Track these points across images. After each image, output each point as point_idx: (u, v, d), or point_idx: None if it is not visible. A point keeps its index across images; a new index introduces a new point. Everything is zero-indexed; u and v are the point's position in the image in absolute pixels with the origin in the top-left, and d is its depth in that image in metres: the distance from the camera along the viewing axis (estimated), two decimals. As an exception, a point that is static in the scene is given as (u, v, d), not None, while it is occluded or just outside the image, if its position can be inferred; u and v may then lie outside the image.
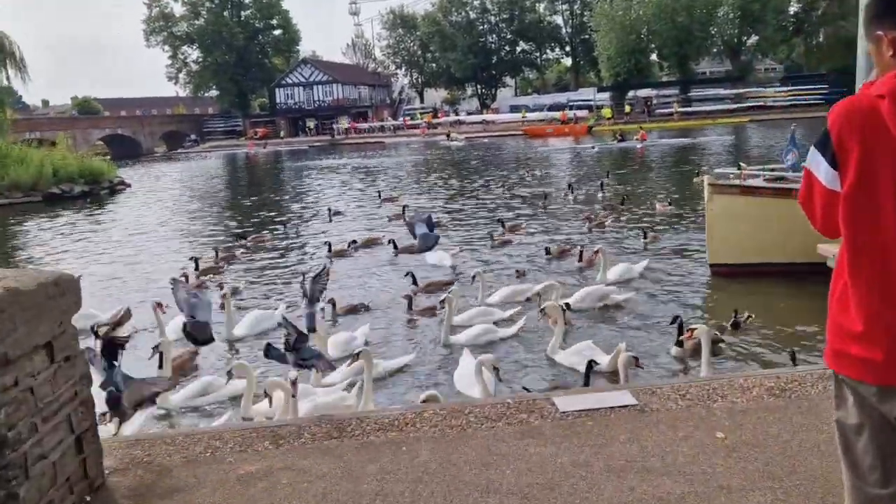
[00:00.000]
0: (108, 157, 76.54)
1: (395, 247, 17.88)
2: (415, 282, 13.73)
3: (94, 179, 41.78)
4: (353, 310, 12.78)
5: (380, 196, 28.95)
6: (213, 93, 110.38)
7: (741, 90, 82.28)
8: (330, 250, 18.45)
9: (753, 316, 11.22)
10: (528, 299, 12.14)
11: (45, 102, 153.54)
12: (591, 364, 8.92)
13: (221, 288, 12.09)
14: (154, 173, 57.79)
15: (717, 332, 10.22)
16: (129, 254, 21.45)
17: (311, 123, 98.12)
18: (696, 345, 9.76)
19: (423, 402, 6.86)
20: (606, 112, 77.37)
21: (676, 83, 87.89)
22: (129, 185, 44.05)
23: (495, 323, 11.26)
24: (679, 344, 9.92)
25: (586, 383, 8.69)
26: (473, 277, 11.24)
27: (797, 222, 14.63)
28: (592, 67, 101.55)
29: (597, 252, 13.70)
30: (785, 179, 14.06)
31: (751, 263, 13.70)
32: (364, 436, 5.86)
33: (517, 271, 14.29)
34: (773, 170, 15.13)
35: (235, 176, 54.29)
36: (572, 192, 27.06)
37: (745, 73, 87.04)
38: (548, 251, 16.28)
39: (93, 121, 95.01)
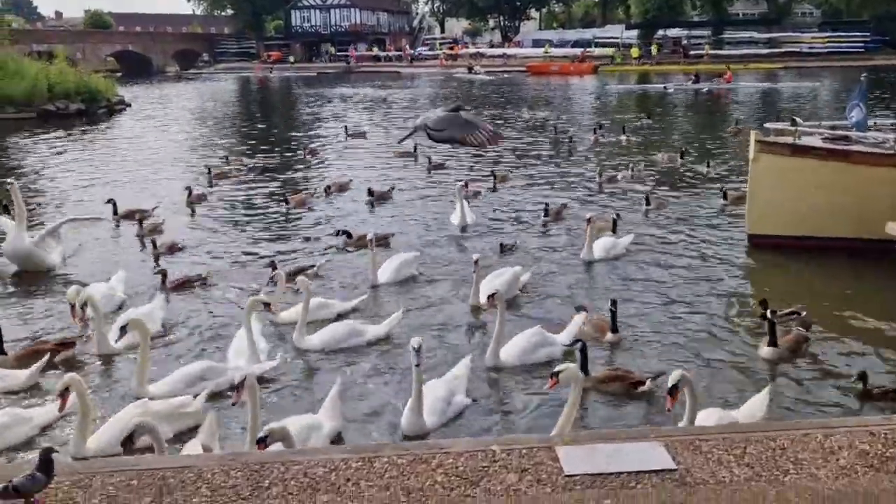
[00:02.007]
0: (118, 74, 74.44)
1: (371, 194, 16.04)
2: (349, 235, 12.63)
3: (92, 97, 39.60)
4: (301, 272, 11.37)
5: (346, 131, 26.59)
6: (229, 11, 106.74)
7: (776, 34, 77.99)
8: (327, 191, 16.78)
9: (804, 313, 9.00)
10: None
11: (59, 14, 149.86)
12: (583, 346, 7.41)
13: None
14: (159, 94, 55.53)
15: (800, 329, 8.35)
16: (118, 179, 19.71)
17: (331, 49, 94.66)
18: (795, 343, 8.02)
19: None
20: (634, 52, 73.66)
21: (708, 24, 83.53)
22: (128, 106, 41.97)
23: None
24: (772, 343, 7.94)
25: (583, 368, 7.16)
26: (476, 262, 9.43)
27: (861, 191, 11.28)
28: (621, 2, 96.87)
29: (589, 221, 11.45)
30: (848, 140, 11.94)
31: (799, 236, 11.70)
32: (285, 498, 4.14)
33: (501, 245, 12.05)
34: (833, 127, 12.97)
35: (242, 101, 51.90)
36: (596, 133, 24.96)
37: (781, 16, 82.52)
38: (546, 212, 14.02)
39: (103, 35, 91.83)
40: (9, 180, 11.31)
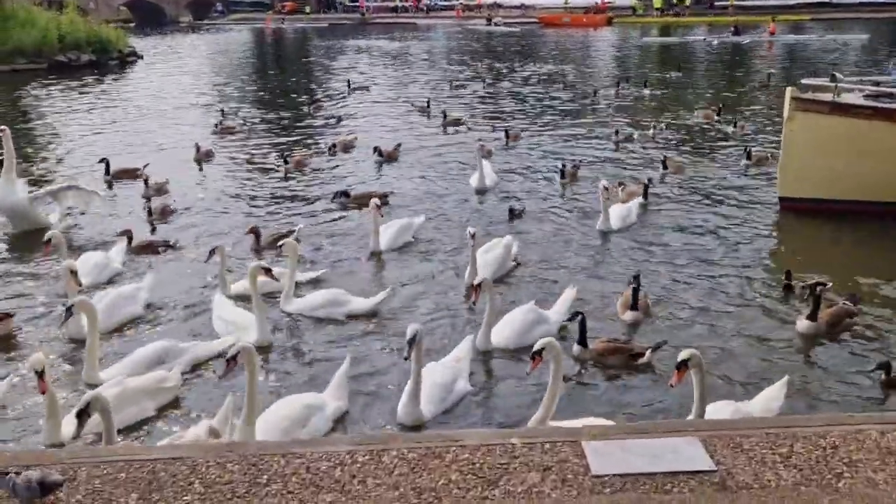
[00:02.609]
0: (131, 24, 73.33)
1: (380, 153, 15.34)
2: (347, 195, 12.35)
3: (103, 48, 38.94)
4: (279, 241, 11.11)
5: (349, 84, 25.83)
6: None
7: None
8: (333, 145, 16.25)
9: (830, 284, 8.37)
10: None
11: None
12: (583, 318, 7.08)
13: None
14: (172, 45, 54.60)
15: (847, 302, 7.78)
16: (126, 132, 19.26)
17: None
18: (836, 318, 7.52)
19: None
20: (657, 1, 71.43)
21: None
22: (140, 57, 41.27)
23: None
24: (812, 317, 7.44)
25: (581, 341, 6.94)
26: (473, 236, 8.73)
27: None
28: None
29: (604, 189, 10.69)
30: (892, 97, 11.23)
31: (835, 200, 11.11)
32: (284, 497, 3.77)
33: (511, 210, 11.44)
34: (877, 84, 12.23)
35: (256, 53, 50.88)
36: (619, 87, 24.23)
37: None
38: (563, 174, 13.29)
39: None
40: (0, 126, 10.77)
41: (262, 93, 26.98)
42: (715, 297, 8.54)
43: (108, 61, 38.89)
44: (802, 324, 7.51)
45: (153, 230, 11.22)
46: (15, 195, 10.49)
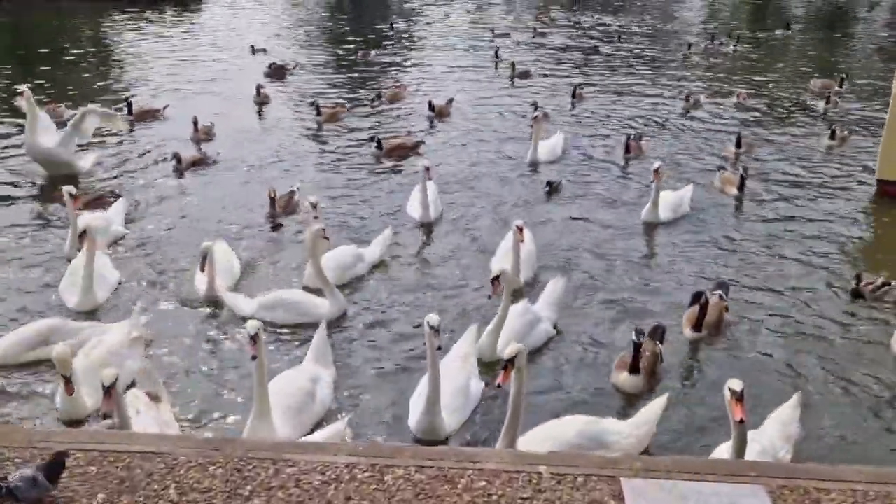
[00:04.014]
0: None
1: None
2: (380, 145, 11.70)
3: (184, -20, 38.94)
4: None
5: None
6: None
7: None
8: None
9: (893, 284, 7.43)
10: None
11: None
12: (639, 335, 5.78)
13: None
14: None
15: None
16: (193, 72, 18.94)
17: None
18: (883, 292, 6.55)
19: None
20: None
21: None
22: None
23: None
24: (856, 294, 6.63)
25: (635, 361, 5.74)
26: (520, 230, 7.61)
27: None
28: None
29: (656, 171, 8.99)
30: None
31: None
32: (264, 517, 3.25)
33: (548, 184, 10.25)
34: None
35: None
36: (713, 43, 22.64)
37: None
38: (627, 147, 11.87)
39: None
40: (23, 86, 10.58)
41: (332, 35, 26.24)
42: (788, 310, 7.28)
43: (186, -8, 38.64)
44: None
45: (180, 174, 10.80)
46: (40, 145, 10.28)
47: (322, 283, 6.93)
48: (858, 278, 7.43)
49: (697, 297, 6.65)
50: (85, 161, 10.74)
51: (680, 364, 6.33)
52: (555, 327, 6.69)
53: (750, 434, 4.55)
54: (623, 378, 5.85)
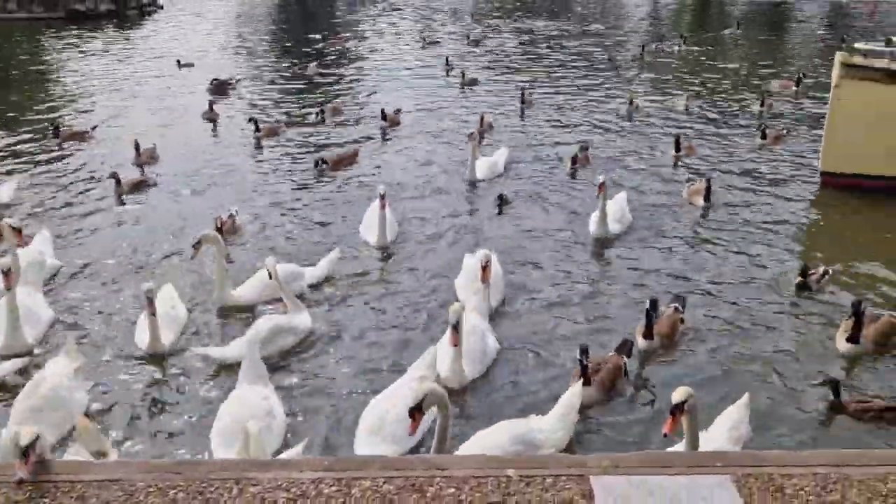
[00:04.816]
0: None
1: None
2: (324, 163, 11.82)
3: (123, -3, 38.31)
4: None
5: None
6: None
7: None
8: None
9: (832, 271, 7.83)
10: None
11: None
12: (583, 353, 5.87)
13: None
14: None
15: (893, 315, 6.84)
16: (137, 87, 18.57)
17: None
18: (882, 334, 6.59)
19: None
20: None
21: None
22: (161, 7, 40.42)
23: None
24: (853, 339, 6.50)
25: (584, 377, 5.77)
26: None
27: None
28: None
29: (601, 186, 8.82)
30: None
31: (885, 176, 10.24)
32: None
33: (500, 198, 10.16)
34: (935, 50, 11.18)
35: (284, 2, 49.51)
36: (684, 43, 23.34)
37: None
38: (574, 159, 11.71)
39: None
40: None
41: (277, 48, 26.06)
42: (738, 308, 7.49)
43: (129, 11, 38.11)
44: (843, 345, 6.60)
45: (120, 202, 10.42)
46: None
47: (286, 297, 6.91)
48: (804, 270, 7.64)
49: (655, 304, 6.75)
50: (6, 188, 10.18)
51: (631, 372, 6.40)
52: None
53: (700, 435, 4.68)
54: (641, 342, 6.46)
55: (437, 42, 25.02)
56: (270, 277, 6.90)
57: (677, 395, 4.34)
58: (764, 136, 13.07)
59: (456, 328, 5.99)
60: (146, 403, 5.94)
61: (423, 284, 8.05)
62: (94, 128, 13.67)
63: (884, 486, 3.44)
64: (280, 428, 5.36)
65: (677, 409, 4.29)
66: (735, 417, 5.26)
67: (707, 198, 10.09)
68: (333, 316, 7.36)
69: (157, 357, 6.51)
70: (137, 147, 12.06)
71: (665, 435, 4.37)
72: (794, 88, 17.18)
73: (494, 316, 7.26)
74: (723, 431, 5.15)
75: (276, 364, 6.35)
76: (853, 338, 6.47)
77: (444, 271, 8.23)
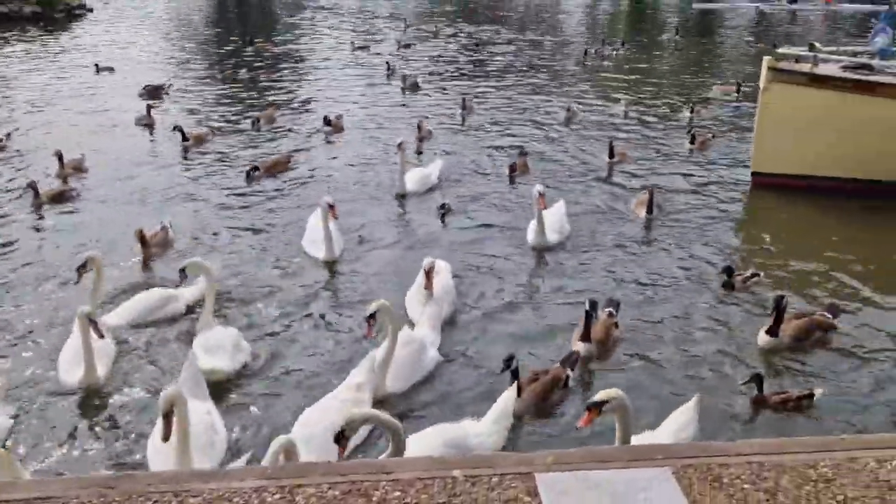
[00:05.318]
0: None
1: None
2: (256, 170, 11.73)
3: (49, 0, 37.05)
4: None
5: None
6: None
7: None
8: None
9: (762, 275, 8.14)
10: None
11: None
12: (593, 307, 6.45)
13: None
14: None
15: (825, 315, 7.11)
16: (63, 93, 17.97)
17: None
18: (800, 331, 6.88)
19: None
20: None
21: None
22: (90, 10, 39.23)
23: None
24: (772, 332, 6.78)
25: (517, 385, 5.87)
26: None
27: (888, 128, 9.68)
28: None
29: (540, 196, 8.77)
30: (870, 69, 10.68)
31: (812, 176, 10.64)
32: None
33: (443, 207, 10.10)
34: (855, 54, 11.65)
35: (215, 7, 48.75)
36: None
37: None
38: (513, 166, 11.76)
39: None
40: None
41: (211, 53, 25.59)
42: (671, 311, 7.74)
43: (55, 14, 36.90)
44: (763, 338, 6.88)
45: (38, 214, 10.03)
46: None
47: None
48: (728, 270, 7.92)
49: (594, 306, 6.87)
50: None
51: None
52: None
53: (647, 436, 4.93)
54: (579, 346, 6.57)
55: (367, 47, 24.94)
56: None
57: (600, 394, 4.47)
58: (692, 141, 13.43)
59: (429, 275, 6.84)
60: (70, 429, 5.74)
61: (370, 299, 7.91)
62: (7, 135, 13.07)
63: (814, 472, 3.57)
64: (222, 443, 5.28)
65: (594, 406, 4.42)
66: (682, 420, 5.40)
67: (650, 209, 10.07)
68: (280, 330, 7.27)
69: (91, 391, 6.13)
70: (61, 158, 11.44)
71: (577, 427, 4.56)
72: (735, 94, 17.74)
73: (444, 326, 7.24)
74: (670, 433, 5.27)
75: (218, 380, 6.22)
76: (772, 331, 6.76)
77: (390, 284, 8.20)
